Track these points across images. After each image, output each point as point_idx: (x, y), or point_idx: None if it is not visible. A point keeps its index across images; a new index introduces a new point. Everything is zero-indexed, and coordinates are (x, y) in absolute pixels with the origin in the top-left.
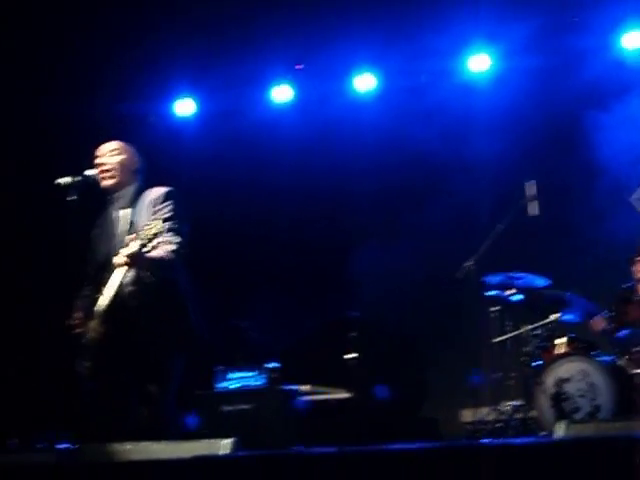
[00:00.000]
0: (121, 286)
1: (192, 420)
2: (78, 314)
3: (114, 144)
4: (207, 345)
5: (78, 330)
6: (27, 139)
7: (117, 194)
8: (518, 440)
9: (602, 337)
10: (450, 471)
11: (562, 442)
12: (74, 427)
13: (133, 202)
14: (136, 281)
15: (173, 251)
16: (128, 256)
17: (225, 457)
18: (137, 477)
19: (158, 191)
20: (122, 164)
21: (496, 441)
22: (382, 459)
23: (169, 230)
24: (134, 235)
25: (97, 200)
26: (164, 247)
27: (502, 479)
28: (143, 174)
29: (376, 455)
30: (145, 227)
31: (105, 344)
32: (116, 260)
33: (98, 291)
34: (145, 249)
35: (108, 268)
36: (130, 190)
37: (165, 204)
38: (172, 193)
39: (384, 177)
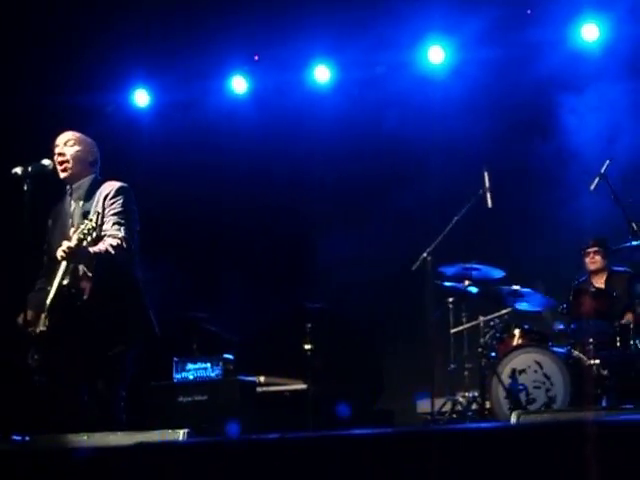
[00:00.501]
0: (62, 280)
1: None
2: (30, 307)
3: (70, 134)
4: (159, 340)
5: (28, 323)
6: None
7: (73, 185)
8: (470, 425)
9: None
10: (402, 456)
11: (514, 427)
12: (26, 420)
13: (88, 194)
14: (76, 275)
15: (116, 245)
16: (65, 250)
17: (173, 443)
18: (90, 464)
19: (111, 185)
20: (78, 155)
21: (447, 426)
22: (329, 445)
23: (115, 224)
24: (75, 229)
25: (52, 190)
26: (108, 241)
27: (454, 464)
28: (99, 166)
29: (322, 441)
30: (85, 221)
31: (53, 337)
32: (57, 253)
33: (50, 284)
34: (84, 243)
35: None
36: (86, 182)
37: (116, 199)
38: (124, 189)
39: (342, 167)
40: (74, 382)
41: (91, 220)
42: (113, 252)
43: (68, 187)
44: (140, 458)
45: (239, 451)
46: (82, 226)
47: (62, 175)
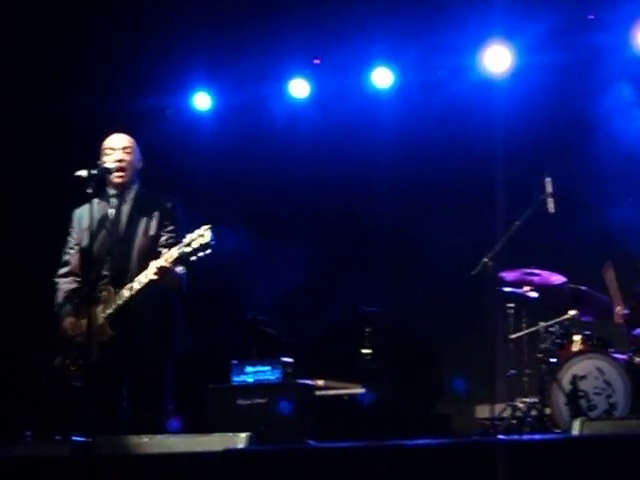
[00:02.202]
0: (141, 290)
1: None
2: (72, 311)
3: (127, 140)
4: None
5: (73, 332)
6: (42, 135)
7: (123, 193)
8: (534, 436)
9: (618, 335)
10: (464, 467)
11: (578, 439)
12: (65, 423)
13: (139, 204)
14: (152, 287)
15: (186, 274)
16: (160, 270)
17: (240, 451)
18: (153, 469)
19: (166, 204)
20: (134, 163)
21: (511, 437)
22: (395, 454)
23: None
24: (167, 251)
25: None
26: (182, 269)
27: (517, 475)
28: (142, 174)
29: (389, 450)
30: (185, 239)
31: (106, 345)
32: (149, 271)
33: (96, 287)
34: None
35: (107, 265)
36: (133, 190)
37: (171, 221)
38: (177, 207)
39: (401, 172)
40: (117, 389)
41: (192, 243)
42: (185, 279)
43: (113, 192)
44: (226, 464)
45: (307, 459)
46: (179, 249)
47: (117, 181)
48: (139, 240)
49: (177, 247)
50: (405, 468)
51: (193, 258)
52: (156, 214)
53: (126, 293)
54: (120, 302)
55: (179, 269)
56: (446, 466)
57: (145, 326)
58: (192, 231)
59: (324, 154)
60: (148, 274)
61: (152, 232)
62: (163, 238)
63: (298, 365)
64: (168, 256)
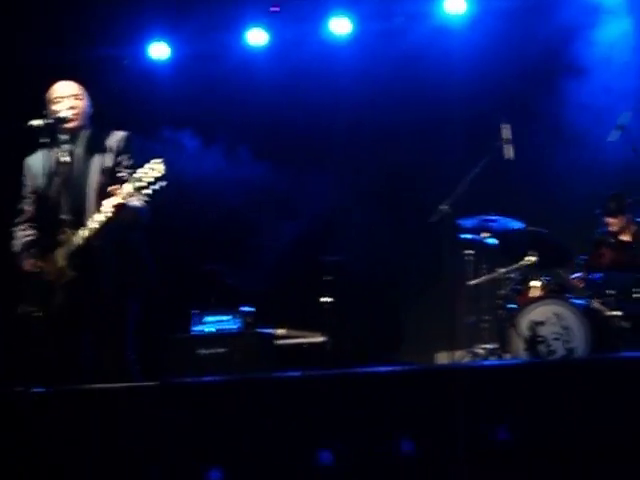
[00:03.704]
0: (99, 229)
1: None
2: (32, 257)
3: (77, 88)
4: (159, 292)
5: (34, 270)
6: None
7: (75, 137)
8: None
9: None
10: (422, 392)
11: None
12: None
13: (92, 146)
14: (112, 225)
15: (146, 207)
16: (115, 206)
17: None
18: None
19: (118, 136)
20: (85, 109)
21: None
22: (357, 382)
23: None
24: (116, 187)
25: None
26: (139, 201)
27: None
28: (92, 119)
29: (352, 378)
30: (137, 173)
31: (69, 287)
32: (105, 208)
33: (56, 231)
34: (135, 195)
35: (64, 208)
36: (85, 134)
37: (126, 153)
38: (131, 139)
39: (359, 120)
40: (80, 331)
41: (147, 176)
42: (145, 212)
43: (65, 138)
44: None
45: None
46: (132, 183)
47: (70, 126)
48: (95, 177)
49: (130, 182)
50: (364, 394)
51: (148, 191)
52: (110, 147)
53: (84, 233)
54: (79, 242)
55: (136, 202)
56: (404, 391)
57: (106, 265)
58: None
59: (282, 103)
60: (105, 212)
61: (108, 164)
62: (120, 174)
63: (258, 314)
64: (122, 192)
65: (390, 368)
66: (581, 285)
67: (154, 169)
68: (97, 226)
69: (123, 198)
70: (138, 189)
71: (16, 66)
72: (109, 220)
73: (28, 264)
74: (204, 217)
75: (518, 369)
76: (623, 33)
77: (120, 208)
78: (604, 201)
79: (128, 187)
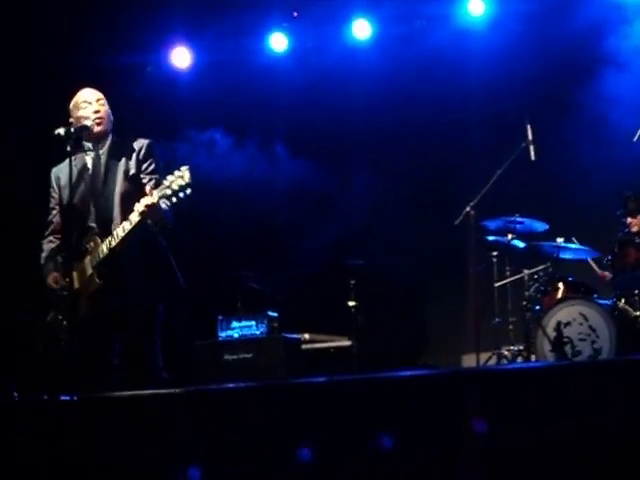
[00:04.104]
0: (127, 235)
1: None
2: (55, 270)
3: (99, 93)
4: (186, 296)
5: (56, 286)
6: (19, 90)
7: (99, 144)
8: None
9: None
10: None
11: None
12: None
13: (113, 150)
14: (138, 230)
15: (171, 212)
16: (147, 206)
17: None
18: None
19: (142, 142)
20: (109, 114)
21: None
22: (372, 386)
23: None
24: (151, 185)
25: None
26: (165, 204)
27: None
28: (115, 128)
29: (366, 382)
30: (165, 180)
31: (97, 295)
32: (137, 208)
33: (83, 240)
34: (164, 202)
35: (91, 217)
36: (109, 140)
37: (150, 160)
38: (153, 146)
39: (382, 123)
40: (108, 340)
41: (174, 182)
42: (171, 215)
43: (89, 146)
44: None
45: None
46: (166, 184)
47: (97, 130)
48: (120, 185)
49: (158, 189)
50: (383, 399)
51: (174, 200)
52: (134, 154)
53: (111, 241)
54: (106, 250)
55: (163, 205)
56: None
57: (133, 272)
58: (172, 172)
59: (304, 108)
60: (132, 219)
61: (132, 171)
62: (144, 180)
63: (284, 319)
64: (149, 199)
65: (415, 372)
66: (608, 278)
67: (181, 176)
68: (124, 234)
69: (155, 200)
70: (165, 196)
71: (39, 72)
72: (137, 223)
73: (51, 278)
74: (230, 221)
75: (543, 372)
76: None
77: (152, 208)
78: (623, 201)
79: (155, 195)
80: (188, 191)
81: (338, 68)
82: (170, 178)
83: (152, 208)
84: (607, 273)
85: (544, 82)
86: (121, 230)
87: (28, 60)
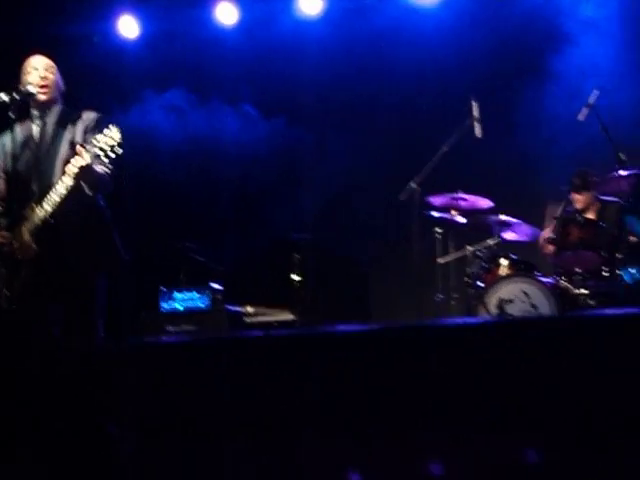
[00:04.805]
0: (62, 200)
1: None
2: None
3: (49, 61)
4: (129, 267)
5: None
6: None
7: (46, 112)
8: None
9: (543, 259)
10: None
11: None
12: None
13: (62, 122)
14: (76, 196)
15: (109, 174)
16: (80, 168)
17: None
18: None
19: (90, 115)
20: (57, 83)
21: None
22: (329, 341)
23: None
24: (80, 147)
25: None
26: (101, 167)
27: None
28: (64, 97)
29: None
30: (94, 140)
31: (35, 262)
32: (69, 170)
33: (24, 206)
34: (96, 161)
35: (34, 183)
36: (56, 109)
37: (97, 130)
38: (102, 120)
39: (329, 98)
40: (46, 307)
41: (104, 140)
42: (108, 179)
43: (37, 113)
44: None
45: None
46: (95, 143)
47: (41, 98)
48: (63, 153)
49: (87, 149)
50: (336, 355)
51: (105, 159)
52: (80, 123)
53: (47, 206)
54: (42, 216)
55: (98, 169)
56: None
57: (72, 239)
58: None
59: (249, 81)
60: (65, 182)
61: (77, 139)
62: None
63: (227, 292)
64: (84, 155)
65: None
66: (549, 250)
67: (111, 136)
68: (58, 198)
69: (87, 161)
70: (97, 155)
71: None
72: (72, 187)
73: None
74: (176, 192)
75: (486, 327)
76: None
77: (84, 170)
78: (569, 177)
79: (87, 153)
80: (119, 150)
81: (286, 42)
82: (99, 137)
83: (84, 169)
84: (550, 247)
85: (492, 59)
86: (55, 195)
87: None
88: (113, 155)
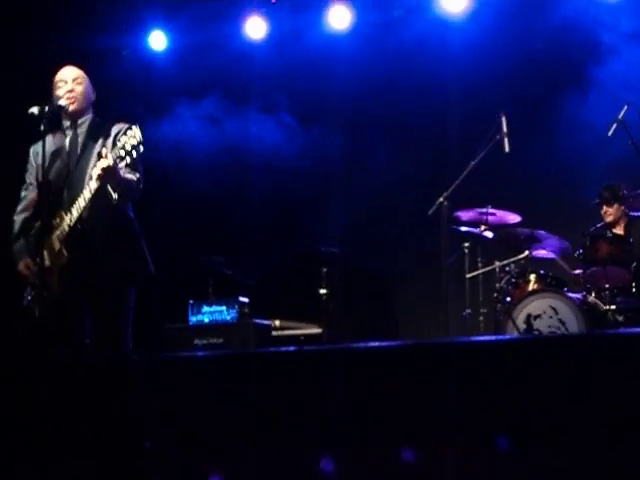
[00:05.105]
0: (88, 204)
1: None
2: (30, 253)
3: (77, 71)
4: (157, 281)
5: (28, 273)
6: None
7: (77, 122)
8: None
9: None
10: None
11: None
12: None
13: (93, 133)
14: (102, 202)
15: (137, 181)
16: (104, 169)
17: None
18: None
19: (121, 126)
20: (86, 94)
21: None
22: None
23: (127, 166)
24: (106, 151)
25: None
26: (129, 175)
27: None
28: (96, 107)
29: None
30: (118, 143)
31: (67, 269)
32: (94, 172)
33: (54, 217)
34: (120, 164)
35: (65, 193)
36: (87, 120)
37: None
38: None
39: (358, 112)
40: (78, 315)
41: (127, 142)
42: (135, 186)
43: (67, 124)
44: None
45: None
46: (119, 145)
47: (71, 109)
48: (93, 163)
49: (111, 151)
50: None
51: (128, 160)
52: (111, 136)
53: (74, 212)
54: (71, 222)
55: (127, 175)
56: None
57: (100, 246)
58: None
59: (279, 94)
60: (91, 186)
61: (107, 150)
62: (103, 151)
63: (255, 305)
64: (104, 161)
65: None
66: (580, 280)
67: (133, 135)
68: (85, 202)
69: (111, 162)
70: (119, 157)
71: (17, 56)
72: (96, 190)
73: (22, 265)
74: (205, 205)
75: (512, 345)
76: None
77: (108, 171)
78: (600, 191)
79: (109, 157)
80: (141, 149)
81: (315, 56)
82: (123, 139)
83: (108, 171)
84: (578, 271)
85: (521, 74)
86: (82, 200)
87: (8, 43)
88: (135, 154)
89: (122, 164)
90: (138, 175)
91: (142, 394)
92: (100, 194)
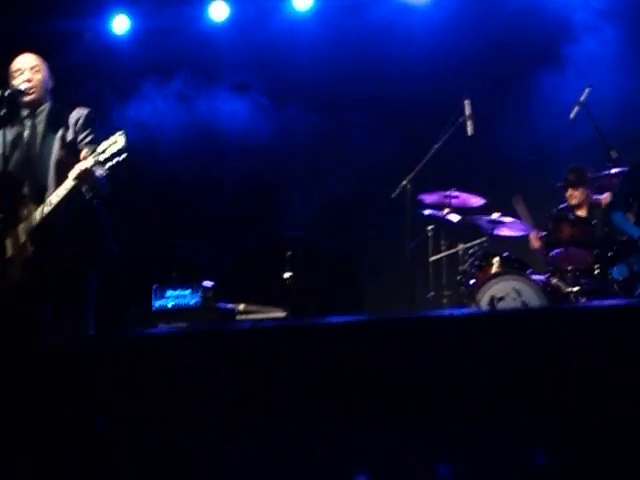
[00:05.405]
0: (61, 202)
1: None
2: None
3: (35, 60)
4: (121, 267)
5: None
6: None
7: (36, 111)
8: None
9: (535, 256)
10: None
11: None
12: None
13: (53, 120)
14: (73, 197)
15: (104, 177)
16: (82, 171)
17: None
18: None
19: (81, 111)
20: (44, 82)
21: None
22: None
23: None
24: (86, 151)
25: None
26: (99, 171)
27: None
28: (54, 93)
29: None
30: (100, 146)
31: (30, 262)
32: (71, 174)
33: (18, 207)
34: (98, 170)
35: (26, 184)
36: (46, 108)
37: (88, 129)
38: (92, 116)
39: (322, 95)
40: (38, 307)
41: (110, 147)
42: (106, 182)
43: (26, 113)
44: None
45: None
46: (100, 149)
47: (27, 99)
48: (55, 153)
49: (92, 155)
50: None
51: (109, 164)
52: (72, 121)
53: (45, 209)
54: (39, 218)
55: (98, 172)
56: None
57: (66, 239)
58: (107, 138)
59: (242, 76)
60: (66, 185)
61: (69, 138)
62: (83, 151)
63: (219, 289)
64: (84, 164)
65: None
66: (538, 244)
67: (115, 142)
68: (58, 200)
69: (90, 165)
70: (99, 162)
71: None
72: (71, 189)
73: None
74: (174, 188)
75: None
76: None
77: (86, 173)
78: (565, 173)
79: (89, 160)
80: (123, 156)
81: (278, 39)
82: (104, 143)
83: (86, 173)
84: (539, 243)
85: (487, 57)
86: (55, 197)
87: None
88: (117, 160)
89: (100, 171)
90: (108, 171)
91: (101, 373)
92: (73, 192)
